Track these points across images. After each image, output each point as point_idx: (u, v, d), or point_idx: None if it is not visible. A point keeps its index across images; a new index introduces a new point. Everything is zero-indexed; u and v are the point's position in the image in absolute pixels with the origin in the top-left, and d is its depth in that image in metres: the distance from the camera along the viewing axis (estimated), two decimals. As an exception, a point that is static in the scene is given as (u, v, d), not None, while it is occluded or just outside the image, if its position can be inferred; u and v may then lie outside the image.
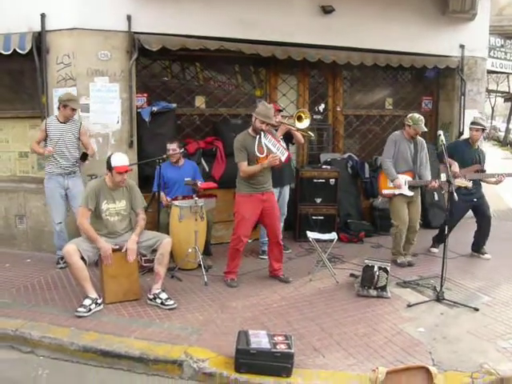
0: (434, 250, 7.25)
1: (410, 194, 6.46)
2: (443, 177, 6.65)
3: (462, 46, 8.77)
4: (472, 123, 6.92)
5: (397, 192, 6.47)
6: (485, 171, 6.81)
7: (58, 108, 6.20)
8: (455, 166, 6.62)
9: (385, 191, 6.62)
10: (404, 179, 6.45)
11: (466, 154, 6.80)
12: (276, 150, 5.58)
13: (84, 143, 6.36)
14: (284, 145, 5.74)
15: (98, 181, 5.39)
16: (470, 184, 6.25)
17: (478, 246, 7.06)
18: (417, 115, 6.42)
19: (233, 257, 5.87)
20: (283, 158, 5.58)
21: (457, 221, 6.81)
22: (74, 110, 6.19)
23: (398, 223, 6.52)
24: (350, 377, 3.92)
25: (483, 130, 6.82)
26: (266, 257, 6.39)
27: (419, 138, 6.57)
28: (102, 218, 5.23)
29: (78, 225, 5.24)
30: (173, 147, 6.50)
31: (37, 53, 6.46)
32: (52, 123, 6.20)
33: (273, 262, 6.06)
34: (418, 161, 6.52)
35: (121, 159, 5.21)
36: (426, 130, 6.45)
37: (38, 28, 6.47)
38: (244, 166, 5.64)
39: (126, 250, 5.14)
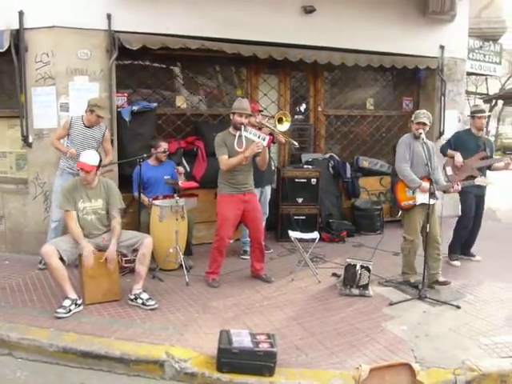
0: (456, 262, 6.71)
1: (434, 200, 5.48)
2: (448, 170, 6.56)
3: (441, 47, 8.85)
4: (478, 111, 6.62)
5: (418, 202, 5.63)
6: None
7: (86, 111, 5.99)
8: (458, 156, 6.46)
9: (405, 203, 5.72)
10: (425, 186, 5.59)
11: (470, 144, 6.57)
12: (257, 138, 5.52)
13: (106, 149, 6.25)
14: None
15: (73, 180, 5.34)
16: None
17: (468, 248, 6.96)
18: (420, 110, 5.98)
19: (215, 257, 5.83)
20: (265, 143, 5.49)
21: (470, 219, 6.65)
22: (99, 117, 5.97)
23: (413, 237, 5.72)
24: (333, 375, 3.90)
25: (488, 116, 6.67)
26: (248, 257, 6.37)
27: (429, 141, 5.85)
28: (79, 216, 5.15)
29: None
30: (165, 146, 6.53)
31: (15, 51, 6.36)
32: (76, 125, 6.01)
33: (255, 262, 6.03)
34: (432, 165, 5.61)
35: (84, 156, 5.11)
36: (423, 120, 5.63)
37: (16, 26, 6.36)
38: (225, 159, 5.60)
39: (106, 259, 5.03)
